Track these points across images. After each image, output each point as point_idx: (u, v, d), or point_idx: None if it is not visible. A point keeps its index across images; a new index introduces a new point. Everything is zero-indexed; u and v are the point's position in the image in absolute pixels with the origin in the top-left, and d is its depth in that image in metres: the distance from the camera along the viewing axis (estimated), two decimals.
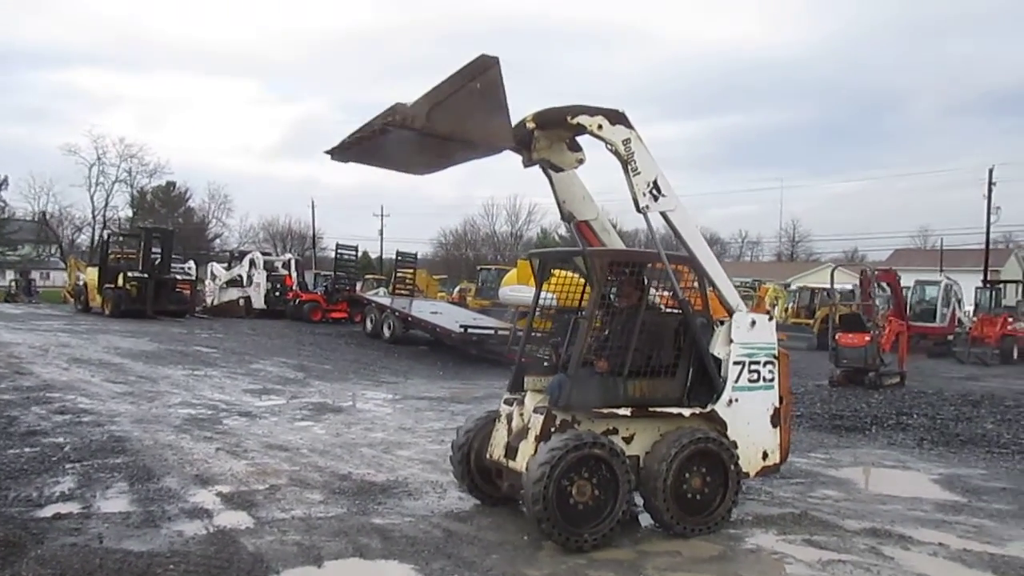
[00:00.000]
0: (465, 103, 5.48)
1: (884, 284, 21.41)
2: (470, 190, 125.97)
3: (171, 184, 74.86)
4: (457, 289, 46.77)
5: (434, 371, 19.17)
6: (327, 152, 6.30)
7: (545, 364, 7.24)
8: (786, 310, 34.41)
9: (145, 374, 15.04)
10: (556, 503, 5.97)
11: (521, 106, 6.30)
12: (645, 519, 6.79)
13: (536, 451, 6.21)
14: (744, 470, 6.87)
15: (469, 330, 20.73)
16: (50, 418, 10.41)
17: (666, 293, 7.07)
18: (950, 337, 28.80)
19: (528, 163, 6.66)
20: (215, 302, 32.76)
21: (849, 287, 29.73)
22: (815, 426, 12.58)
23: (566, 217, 7.11)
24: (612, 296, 7.01)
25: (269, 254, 40.00)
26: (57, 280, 59.38)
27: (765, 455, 7.06)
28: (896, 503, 8.00)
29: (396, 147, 5.86)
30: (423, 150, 5.93)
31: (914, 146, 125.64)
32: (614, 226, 7.63)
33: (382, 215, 77.42)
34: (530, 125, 6.42)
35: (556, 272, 7.99)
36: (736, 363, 6.85)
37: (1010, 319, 28.12)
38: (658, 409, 6.60)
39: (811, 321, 32.02)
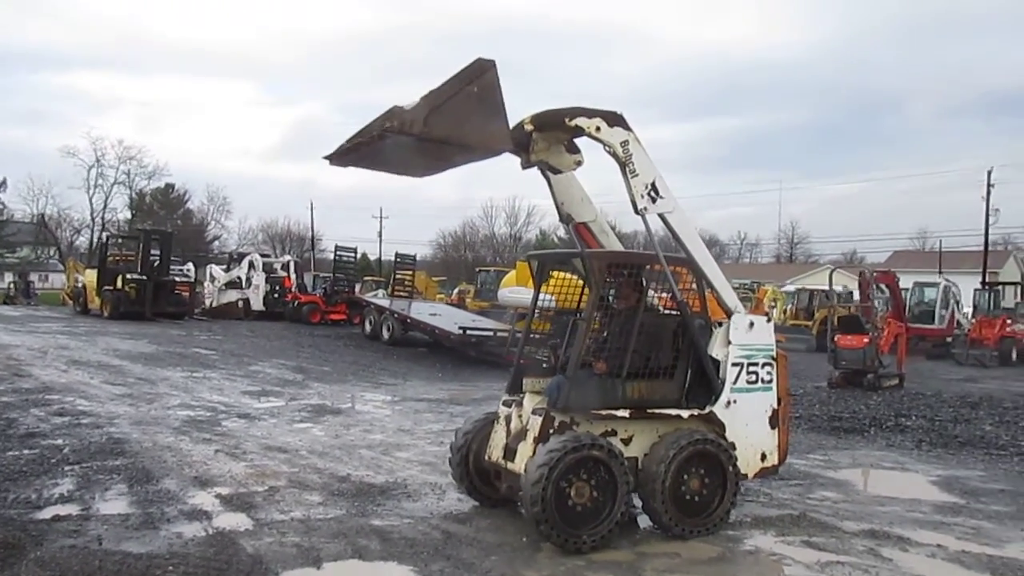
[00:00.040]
0: (463, 107, 5.50)
1: (883, 286, 21.47)
2: (469, 192, 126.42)
3: (170, 186, 74.95)
4: (456, 291, 46.84)
5: (433, 373, 19.17)
6: (325, 158, 6.31)
7: (544, 366, 7.25)
8: (785, 312, 34.44)
9: (144, 376, 15.04)
10: (555, 505, 5.98)
11: (520, 107, 6.32)
12: (644, 520, 6.80)
13: (535, 453, 6.22)
14: (742, 471, 6.88)
15: (468, 332, 20.74)
16: (49, 420, 10.42)
17: (665, 295, 7.08)
18: (949, 339, 28.83)
19: (526, 165, 6.67)
20: (214, 304, 32.75)
21: (839, 288, 29.67)
22: (814, 428, 12.59)
23: (564, 219, 7.12)
24: (610, 298, 7.03)
25: (268, 256, 39.98)
26: (56, 282, 59.38)
27: (763, 456, 7.07)
28: (895, 505, 8.01)
29: (394, 151, 5.87)
30: (421, 153, 5.95)
31: (913, 148, 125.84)
32: (613, 228, 7.65)
33: (381, 217, 77.50)
34: (528, 127, 6.43)
35: (555, 274, 8.00)
36: (734, 364, 6.87)
37: (1009, 321, 28.15)
38: (656, 411, 6.61)
39: (810, 323, 32.05)
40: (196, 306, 31.35)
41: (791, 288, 40.17)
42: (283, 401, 13.44)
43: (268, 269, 33.38)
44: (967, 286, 33.63)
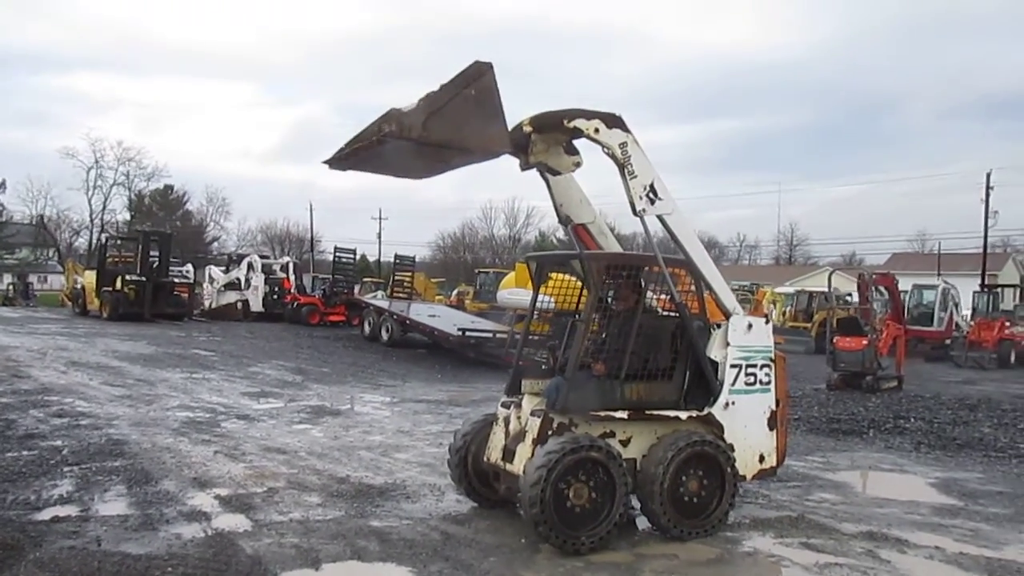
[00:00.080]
0: (461, 110, 5.51)
1: (882, 288, 21.45)
2: (468, 193, 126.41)
3: (169, 187, 74.94)
4: (455, 292, 46.86)
5: (432, 374, 19.17)
6: (324, 162, 6.34)
7: (543, 367, 7.27)
8: (784, 314, 34.46)
9: (143, 377, 15.04)
10: (553, 506, 5.98)
11: (519, 109, 6.34)
12: (642, 522, 6.80)
13: (533, 454, 6.22)
14: (741, 473, 6.89)
15: (467, 333, 20.74)
16: (48, 421, 10.42)
17: (663, 296, 7.09)
18: (948, 341, 28.81)
19: (525, 166, 6.68)
20: (213, 305, 32.72)
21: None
22: (812, 429, 12.60)
23: (563, 220, 7.13)
24: (609, 299, 7.04)
25: (267, 257, 39.90)
26: (55, 283, 59.39)
27: (762, 458, 7.08)
28: (893, 507, 8.02)
29: (393, 155, 5.88)
30: (420, 157, 5.96)
31: (912, 150, 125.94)
32: (612, 229, 7.66)
33: (380, 218, 77.56)
34: (527, 129, 6.44)
35: (554, 275, 8.02)
36: (733, 366, 6.88)
37: (1007, 323, 28.17)
38: (655, 412, 6.62)
39: (809, 325, 32.05)
40: (195, 307, 31.32)
41: (790, 290, 40.16)
42: (282, 402, 13.44)
43: (267, 270, 33.34)
44: (966, 288, 33.63)
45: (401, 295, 28.91)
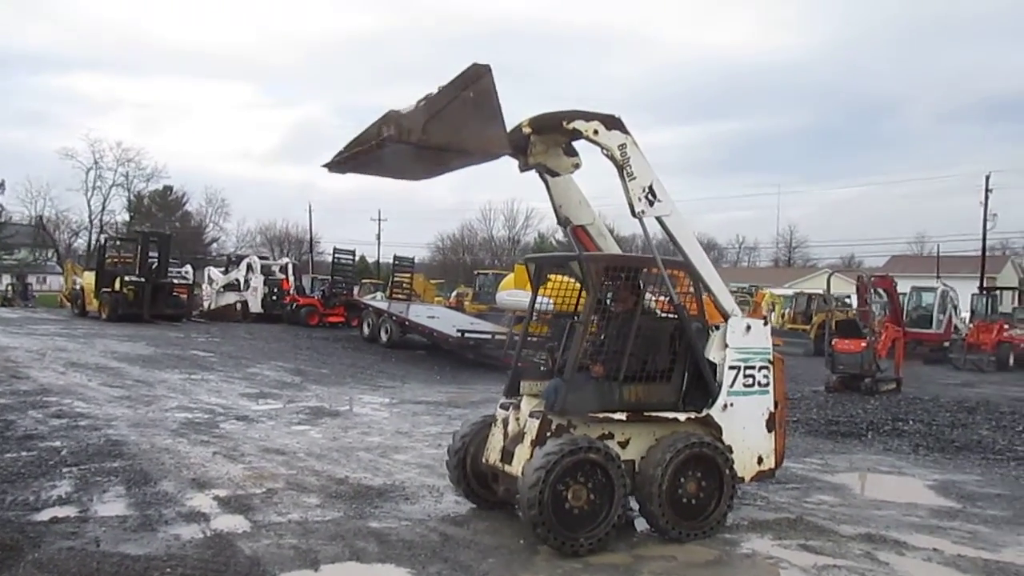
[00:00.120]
0: (460, 113, 5.53)
1: (881, 290, 21.47)
2: (468, 195, 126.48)
3: (168, 188, 74.96)
4: (454, 293, 46.87)
5: (431, 375, 19.18)
6: (324, 166, 6.36)
7: (541, 368, 7.28)
8: (783, 316, 34.47)
9: (142, 378, 15.04)
10: (552, 507, 5.99)
11: (519, 110, 6.35)
12: (641, 523, 6.81)
13: (532, 456, 6.23)
14: (739, 475, 6.90)
15: (466, 334, 20.74)
16: (47, 422, 10.42)
17: (662, 298, 7.11)
18: (946, 343, 28.82)
19: (524, 168, 6.69)
20: (212, 306, 32.72)
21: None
22: (811, 431, 12.62)
23: (562, 222, 7.14)
24: (608, 301, 7.05)
25: (266, 258, 39.90)
26: (54, 284, 59.42)
27: (760, 460, 7.09)
28: (891, 509, 8.03)
29: (393, 158, 5.89)
30: (420, 159, 5.97)
31: (911, 152, 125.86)
32: (611, 231, 7.67)
33: (379, 219, 77.54)
34: (526, 130, 6.44)
35: (552, 277, 8.03)
36: (731, 368, 6.88)
37: (1006, 326, 28.19)
38: (654, 414, 6.62)
39: (808, 327, 32.07)
40: (194, 308, 31.30)
41: (789, 292, 40.18)
42: (281, 403, 13.44)
43: (266, 271, 33.33)
44: (965, 291, 33.62)
45: (400, 296, 28.91)
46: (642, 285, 6.90)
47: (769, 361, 7.10)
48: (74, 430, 10.00)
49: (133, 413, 11.50)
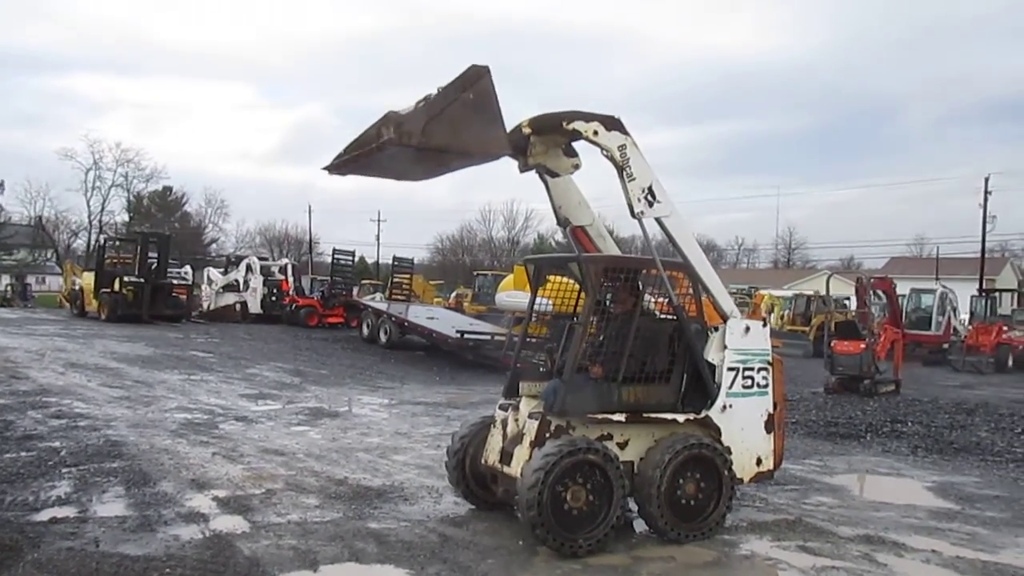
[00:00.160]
0: (459, 115, 5.53)
1: (880, 292, 21.49)
2: (467, 196, 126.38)
3: (168, 189, 74.89)
4: (454, 294, 46.84)
5: (430, 376, 19.18)
6: (324, 168, 6.37)
7: (540, 370, 7.29)
8: (782, 317, 34.47)
9: (141, 379, 15.04)
10: (551, 509, 6.00)
11: (518, 111, 6.36)
12: (639, 525, 6.81)
13: (531, 457, 6.23)
14: (738, 476, 6.90)
15: (465, 335, 20.75)
16: (46, 422, 10.41)
17: (661, 299, 7.11)
18: (945, 345, 28.86)
19: (524, 168, 6.69)
20: (211, 307, 32.68)
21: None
22: (810, 433, 12.63)
23: (562, 222, 7.14)
24: (607, 302, 7.05)
25: (266, 259, 39.87)
26: (53, 285, 59.32)
27: (759, 461, 7.09)
28: (890, 510, 8.04)
29: (393, 159, 5.90)
30: (420, 161, 5.98)
31: (910, 154, 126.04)
32: (610, 232, 7.67)
33: (379, 220, 77.64)
34: (526, 130, 6.45)
35: (552, 278, 8.03)
36: (730, 369, 6.89)
37: (1005, 328, 28.21)
38: (652, 415, 6.63)
39: (807, 328, 32.09)
40: (193, 309, 31.26)
41: (788, 293, 40.19)
42: (280, 404, 13.44)
43: (266, 272, 33.31)
44: (964, 293, 33.71)
45: (399, 297, 28.90)
46: (641, 286, 6.90)
47: (768, 362, 7.11)
48: (73, 430, 10.00)
49: (132, 414, 11.49)
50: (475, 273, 48.24)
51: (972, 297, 31.69)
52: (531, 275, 7.57)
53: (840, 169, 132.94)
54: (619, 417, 6.50)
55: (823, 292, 23.34)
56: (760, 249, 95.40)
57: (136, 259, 28.44)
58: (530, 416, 6.65)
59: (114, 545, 5.93)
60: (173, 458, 8.85)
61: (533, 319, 7.52)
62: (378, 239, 76.38)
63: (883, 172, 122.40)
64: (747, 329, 7.03)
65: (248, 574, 5.54)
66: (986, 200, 47.51)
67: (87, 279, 29.97)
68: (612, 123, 6.45)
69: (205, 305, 33.02)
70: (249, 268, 32.77)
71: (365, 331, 24.70)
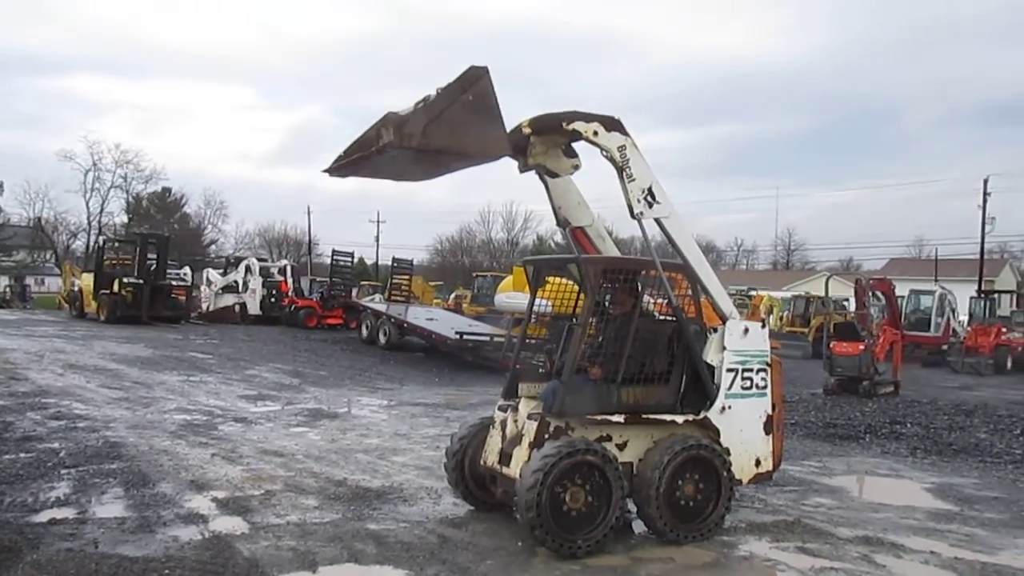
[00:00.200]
0: (459, 116, 5.54)
1: (879, 293, 21.52)
2: (466, 197, 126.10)
3: (167, 190, 74.78)
4: (453, 296, 46.84)
5: (429, 377, 19.18)
6: (324, 171, 6.38)
7: (540, 371, 7.29)
8: (781, 318, 34.51)
9: (140, 380, 15.03)
10: (550, 510, 6.00)
11: (518, 112, 6.36)
12: (638, 526, 6.82)
13: (530, 458, 6.24)
14: (737, 477, 6.91)
15: (465, 337, 20.76)
16: (45, 423, 10.41)
17: (660, 300, 7.11)
18: (944, 347, 28.90)
19: (524, 168, 6.70)
20: (211, 308, 32.69)
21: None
22: (809, 434, 12.63)
23: (561, 223, 7.15)
24: (606, 303, 7.06)
25: (265, 260, 39.89)
26: (52, 286, 59.23)
27: (758, 462, 7.09)
28: (889, 511, 8.04)
29: (393, 161, 5.91)
30: (419, 162, 5.99)
31: (910, 156, 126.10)
32: (610, 233, 7.68)
33: (378, 221, 77.69)
34: (526, 131, 6.46)
35: (551, 279, 8.03)
36: (729, 370, 6.89)
37: (1004, 329, 28.24)
38: (651, 416, 6.63)
39: (806, 330, 32.12)
40: (193, 310, 31.25)
41: (787, 295, 40.23)
42: (279, 405, 13.44)
43: (265, 273, 33.30)
44: (963, 294, 33.74)
45: (399, 298, 28.88)
46: (640, 287, 6.91)
47: (767, 364, 7.11)
48: (72, 432, 10.00)
49: (131, 415, 11.49)
50: (474, 274, 48.23)
51: (971, 298, 31.70)
52: (530, 276, 7.58)
53: (839, 170, 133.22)
54: (618, 418, 6.50)
55: (818, 293, 23.40)
56: (759, 250, 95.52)
57: (135, 260, 28.43)
58: (529, 417, 6.65)
59: (113, 546, 5.93)
60: (172, 459, 8.85)
61: (532, 320, 7.53)
62: (377, 240, 76.52)
63: (882, 173, 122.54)
64: (746, 330, 7.03)
65: (247, 575, 5.54)
66: (985, 201, 47.61)
67: (86, 280, 29.95)
68: (612, 124, 6.46)
69: (204, 306, 33.02)
70: (248, 269, 32.77)
71: (364, 332, 24.70)
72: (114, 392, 13.44)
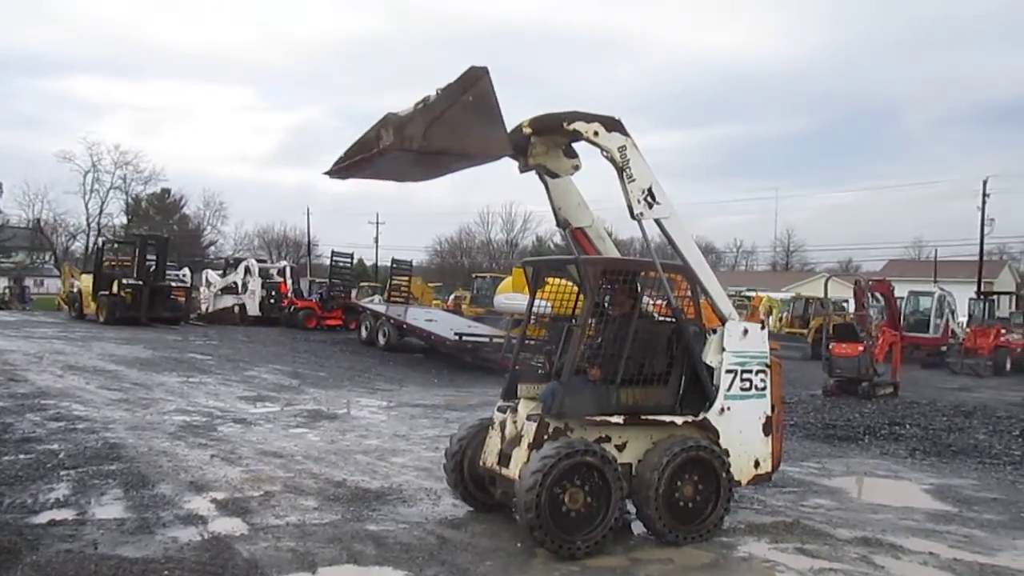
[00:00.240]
0: (460, 117, 5.54)
1: (878, 295, 21.53)
2: (466, 198, 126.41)
3: (166, 191, 74.82)
4: (452, 297, 46.88)
5: (429, 379, 19.18)
6: (325, 173, 6.39)
7: (539, 372, 7.29)
8: (780, 320, 34.52)
9: (140, 381, 15.03)
10: (549, 511, 6.00)
11: (519, 112, 6.38)
12: (637, 527, 6.82)
13: (529, 459, 6.24)
14: (736, 478, 6.91)
15: (464, 338, 20.75)
16: (45, 425, 10.41)
17: (659, 301, 7.12)
18: (943, 348, 28.92)
19: (524, 169, 6.71)
20: (210, 309, 32.70)
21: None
22: (808, 435, 12.63)
23: (561, 224, 7.16)
24: (605, 304, 7.06)
25: (264, 261, 39.95)
26: (51, 287, 59.16)
27: (757, 463, 7.10)
28: (888, 512, 8.04)
29: (393, 162, 5.92)
30: (420, 163, 6.00)
31: (909, 157, 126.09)
32: (609, 234, 7.68)
33: (377, 222, 77.75)
34: (527, 130, 6.47)
35: (550, 280, 8.04)
36: (728, 371, 6.90)
37: (1003, 331, 28.25)
38: (651, 417, 6.64)
39: (805, 331, 32.13)
40: (192, 311, 31.26)
41: (787, 296, 40.25)
42: (279, 406, 13.44)
43: (264, 274, 33.30)
44: (962, 295, 33.75)
45: (398, 299, 28.89)
46: (639, 288, 6.91)
47: (766, 365, 7.12)
48: (72, 433, 10.00)
49: (131, 416, 11.49)
50: (474, 275, 48.21)
51: (970, 300, 31.74)
52: (530, 277, 7.58)
53: (838, 171, 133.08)
54: (617, 419, 6.51)
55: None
56: (759, 251, 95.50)
57: (134, 261, 28.44)
58: (528, 418, 6.65)
59: (112, 547, 5.93)
60: (171, 460, 8.85)
61: (532, 321, 7.53)
62: (376, 241, 76.57)
63: (882, 174, 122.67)
64: (745, 332, 7.03)
65: None
66: (984, 203, 47.56)
67: (85, 281, 29.95)
68: (613, 124, 6.47)
69: (203, 307, 33.03)
70: (248, 270, 32.78)
71: (363, 333, 24.71)
72: (113, 393, 13.44)
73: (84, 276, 31.35)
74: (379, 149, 5.58)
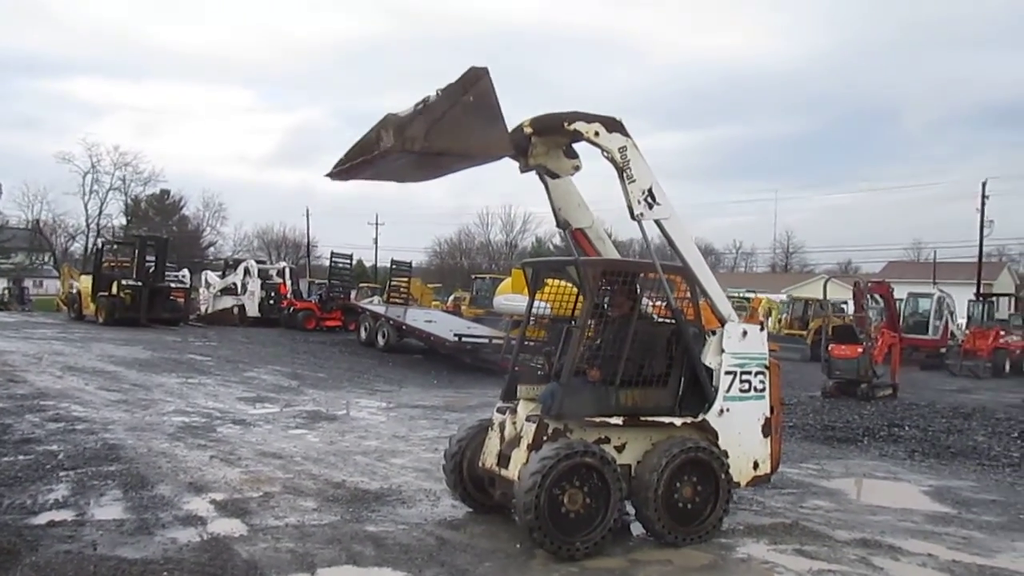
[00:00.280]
0: (460, 118, 5.55)
1: (877, 296, 21.55)
2: (465, 199, 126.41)
3: (165, 192, 74.79)
4: (452, 298, 46.85)
5: (428, 380, 19.18)
6: (326, 175, 6.40)
7: (538, 373, 7.29)
8: (779, 321, 34.53)
9: (139, 382, 15.03)
10: (548, 512, 6.00)
11: (519, 112, 6.38)
12: (637, 528, 6.83)
13: (528, 460, 6.24)
14: (735, 480, 6.91)
15: (463, 339, 20.75)
16: (44, 426, 10.40)
17: (659, 302, 7.12)
18: (943, 350, 28.92)
19: (525, 169, 6.70)
20: (209, 310, 32.69)
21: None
22: (807, 437, 12.63)
23: (561, 224, 7.16)
24: (605, 305, 7.06)
25: (264, 262, 39.91)
26: (50, 288, 59.01)
27: (756, 465, 7.10)
28: (887, 514, 8.04)
29: (394, 164, 5.93)
30: (421, 164, 6.01)
31: (908, 158, 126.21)
32: (609, 235, 7.68)
33: (377, 223, 77.69)
34: (527, 131, 6.47)
35: (550, 281, 8.04)
36: (727, 373, 6.90)
37: (1002, 332, 28.26)
38: (650, 418, 6.64)
39: (804, 332, 32.13)
40: (191, 312, 31.25)
41: (786, 297, 40.26)
42: (278, 407, 13.44)
43: (264, 275, 33.28)
44: (961, 297, 33.75)
45: (397, 300, 28.87)
46: (639, 290, 6.92)
47: (765, 366, 7.12)
48: (71, 434, 10.00)
49: (130, 417, 11.49)
50: (473, 276, 48.21)
51: (969, 301, 31.72)
52: (529, 278, 7.59)
53: (838, 173, 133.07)
54: (616, 420, 6.51)
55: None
56: (758, 253, 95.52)
57: (134, 262, 28.45)
58: (528, 419, 6.65)
59: (112, 548, 5.93)
60: (171, 461, 8.85)
61: (531, 322, 7.53)
62: (376, 242, 76.52)
63: (881, 176, 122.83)
64: (745, 333, 7.04)
65: None
66: (983, 204, 47.53)
67: (85, 282, 29.94)
68: (613, 124, 6.47)
69: (203, 308, 33.02)
70: (247, 271, 32.77)
71: (363, 334, 24.72)
72: (113, 394, 13.44)
73: (83, 277, 31.35)
74: (380, 151, 5.58)
